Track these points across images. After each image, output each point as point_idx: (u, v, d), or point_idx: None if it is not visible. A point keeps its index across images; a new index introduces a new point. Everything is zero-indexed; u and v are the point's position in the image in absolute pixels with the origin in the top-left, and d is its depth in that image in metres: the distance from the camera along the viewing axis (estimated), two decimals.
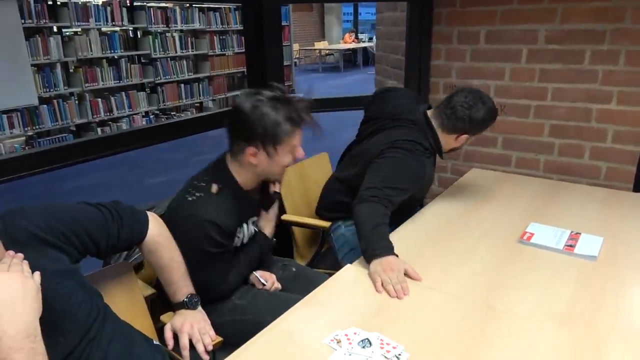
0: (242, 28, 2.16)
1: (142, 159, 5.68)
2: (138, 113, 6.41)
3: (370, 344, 1.14)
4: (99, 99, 5.88)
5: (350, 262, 1.55)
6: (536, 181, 2.25)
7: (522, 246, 1.62)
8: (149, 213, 1.30)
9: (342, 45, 14.03)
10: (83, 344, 1.03)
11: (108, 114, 6.02)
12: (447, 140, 1.78)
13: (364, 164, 1.77)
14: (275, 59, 2.26)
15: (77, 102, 5.69)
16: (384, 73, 3.19)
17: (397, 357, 1.10)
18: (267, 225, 1.64)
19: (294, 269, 1.76)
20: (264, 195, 1.60)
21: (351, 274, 1.49)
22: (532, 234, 1.67)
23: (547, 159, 2.29)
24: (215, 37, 7.21)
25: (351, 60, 14.14)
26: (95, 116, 5.88)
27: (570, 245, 1.58)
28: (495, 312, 1.26)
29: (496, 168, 2.42)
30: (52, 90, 5.32)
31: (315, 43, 14.22)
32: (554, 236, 1.65)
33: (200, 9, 6.98)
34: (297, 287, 1.62)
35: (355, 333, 1.18)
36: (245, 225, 1.52)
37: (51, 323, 0.97)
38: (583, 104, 2.14)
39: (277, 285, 1.61)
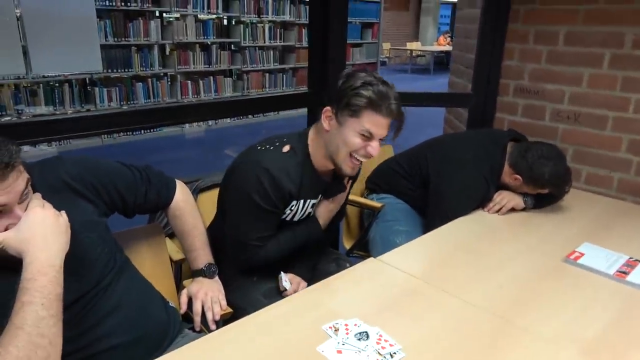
0: None
1: (221, 142, 5.98)
2: (223, 98, 6.73)
3: (367, 337, 1.10)
4: (189, 81, 6.25)
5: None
6: (606, 200, 2.04)
7: (568, 266, 1.47)
8: (177, 180, 1.36)
9: (434, 47, 13.65)
10: (94, 291, 1.10)
11: (196, 96, 6.38)
12: (506, 172, 1.82)
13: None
14: (339, 50, 2.24)
15: (169, 82, 6.10)
16: (457, 73, 3.05)
17: (391, 355, 1.05)
18: (323, 214, 1.52)
19: (348, 265, 1.64)
20: (333, 183, 1.51)
21: (373, 266, 1.45)
22: (582, 254, 1.51)
23: (622, 178, 2.06)
24: (303, 29, 7.35)
25: (443, 62, 13.72)
26: (184, 97, 6.26)
27: (623, 272, 1.41)
28: (513, 328, 1.16)
29: None
30: (148, 69, 5.75)
31: (407, 43, 13.98)
32: (606, 260, 1.48)
33: (292, 2, 7.15)
34: None
35: (355, 324, 1.14)
36: (302, 202, 1.44)
37: (70, 267, 1.05)
38: None
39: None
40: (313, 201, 1.48)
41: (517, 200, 1.82)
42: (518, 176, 1.78)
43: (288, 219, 1.48)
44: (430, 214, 1.82)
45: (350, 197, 2.01)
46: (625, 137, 2.02)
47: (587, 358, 1.07)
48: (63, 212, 1.01)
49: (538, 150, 1.75)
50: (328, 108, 1.33)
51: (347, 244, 2.12)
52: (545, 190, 1.79)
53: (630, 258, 1.49)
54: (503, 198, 1.82)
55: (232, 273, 1.51)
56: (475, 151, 1.83)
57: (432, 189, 1.83)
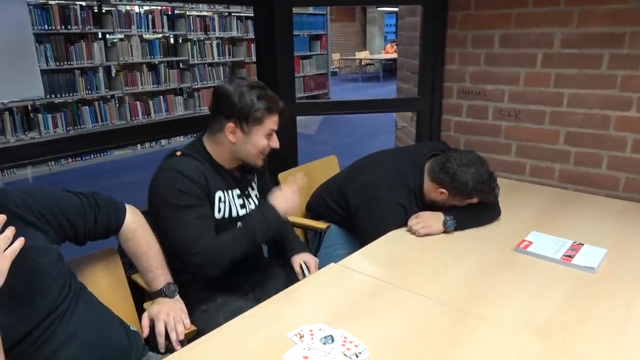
0: None
1: None
2: (175, 117, 6.62)
3: (332, 340, 1.12)
4: (138, 102, 6.11)
5: (336, 261, 1.53)
6: (550, 190, 2.16)
7: (518, 255, 1.55)
8: (126, 204, 1.35)
9: (383, 55, 14.00)
10: (50, 319, 1.07)
11: (146, 116, 6.24)
12: (430, 188, 1.75)
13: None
14: (287, 62, 2.28)
15: (117, 104, 5.94)
16: (404, 79, 3.15)
17: (357, 356, 1.07)
18: (280, 202, 1.52)
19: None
20: (243, 175, 1.60)
21: (333, 272, 1.47)
22: (530, 243, 1.59)
23: (562, 168, 2.19)
24: (252, 44, 7.36)
25: (392, 70, 14.06)
26: (134, 118, 6.12)
27: (569, 256, 1.50)
28: (471, 319, 1.21)
29: (510, 176, 2.33)
30: (94, 92, 5.58)
31: (356, 53, 14.25)
32: (553, 246, 1.57)
33: (239, 18, 7.17)
34: None
35: (320, 329, 1.16)
36: (224, 195, 1.51)
37: (23, 295, 1.02)
38: (601, 110, 2.03)
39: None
40: (236, 192, 1.57)
41: (434, 228, 1.68)
42: (444, 190, 1.70)
43: (226, 215, 1.52)
44: (361, 242, 1.74)
45: (295, 219, 2.05)
46: (562, 130, 2.15)
47: (542, 339, 1.13)
48: (19, 239, 0.97)
49: (457, 160, 1.67)
50: (231, 124, 1.46)
51: None
52: (474, 199, 1.71)
53: (574, 242, 1.59)
54: (417, 223, 1.69)
55: (198, 300, 1.49)
56: (389, 179, 1.76)
57: (355, 221, 1.80)
